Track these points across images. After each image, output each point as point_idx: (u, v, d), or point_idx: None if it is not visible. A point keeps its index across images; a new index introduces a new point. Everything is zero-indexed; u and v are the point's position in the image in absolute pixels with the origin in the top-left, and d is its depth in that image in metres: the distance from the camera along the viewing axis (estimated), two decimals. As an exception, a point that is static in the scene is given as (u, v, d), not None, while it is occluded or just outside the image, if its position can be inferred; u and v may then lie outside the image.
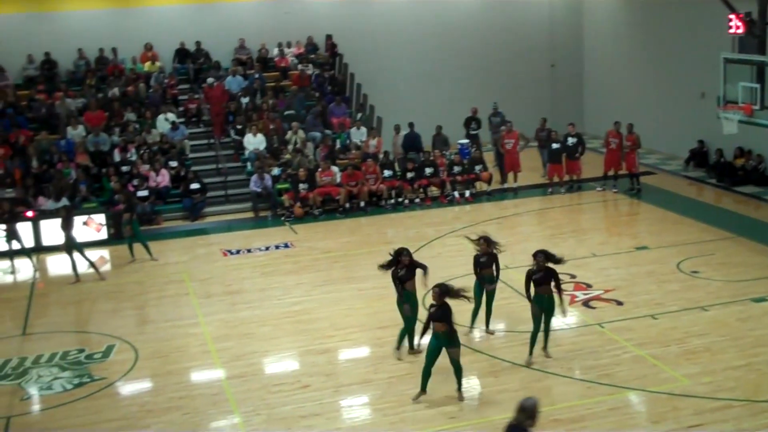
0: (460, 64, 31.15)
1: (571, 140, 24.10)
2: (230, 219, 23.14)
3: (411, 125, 25.82)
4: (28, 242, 20.13)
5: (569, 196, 23.97)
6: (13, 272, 19.40)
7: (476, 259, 14.10)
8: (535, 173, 25.58)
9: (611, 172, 23.92)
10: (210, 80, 26.90)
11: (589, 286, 16.33)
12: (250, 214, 23.26)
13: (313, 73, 28.58)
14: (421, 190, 23.86)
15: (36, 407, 12.75)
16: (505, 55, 31.54)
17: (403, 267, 13.30)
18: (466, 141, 26.73)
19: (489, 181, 24.37)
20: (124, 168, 23.42)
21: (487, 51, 31.33)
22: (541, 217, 22.32)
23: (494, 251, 13.99)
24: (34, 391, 13.14)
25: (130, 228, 19.46)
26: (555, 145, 24.16)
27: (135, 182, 22.71)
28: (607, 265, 17.74)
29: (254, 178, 23.18)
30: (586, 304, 15.47)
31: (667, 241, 19.05)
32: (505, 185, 24.62)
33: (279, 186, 23.39)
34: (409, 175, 23.85)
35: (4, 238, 19.56)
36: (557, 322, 13.89)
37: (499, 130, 26.02)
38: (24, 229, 20.17)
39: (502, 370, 12.97)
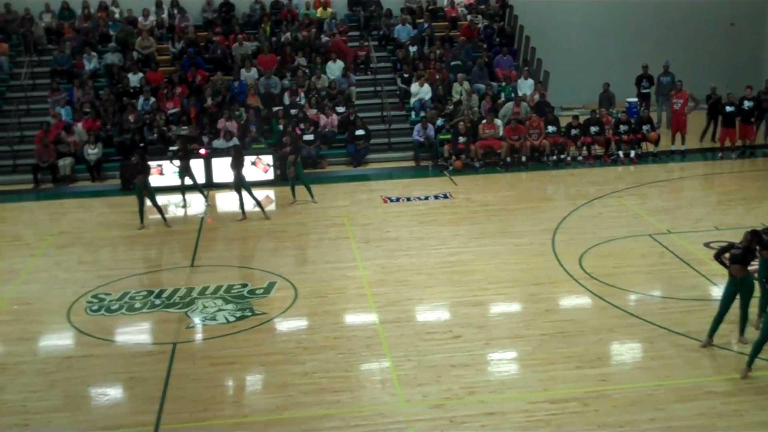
0: (633, 20, 30.23)
1: (747, 104, 23.03)
2: (392, 167, 23.49)
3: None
4: (200, 179, 21.10)
5: (740, 162, 22.98)
6: (184, 207, 20.42)
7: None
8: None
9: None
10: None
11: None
12: (411, 163, 23.53)
13: (482, 24, 28.36)
14: (585, 148, 23.44)
15: (200, 336, 13.39)
16: (681, 11, 30.30)
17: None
18: (634, 99, 26.02)
19: (656, 142, 23.65)
20: (293, 111, 24.05)
21: (661, 7, 30.22)
22: (708, 182, 21.57)
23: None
24: (198, 320, 13.80)
25: (294, 170, 20.04)
26: (729, 108, 23.13)
27: (302, 126, 23.29)
28: (778, 236, 16.96)
29: (418, 127, 23.36)
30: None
31: None
32: (672, 147, 23.82)
33: (441, 137, 23.48)
34: (573, 132, 23.45)
35: (178, 174, 20.57)
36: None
37: (669, 91, 25.20)
38: (197, 166, 21.14)
39: (658, 337, 12.72)
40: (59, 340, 13.31)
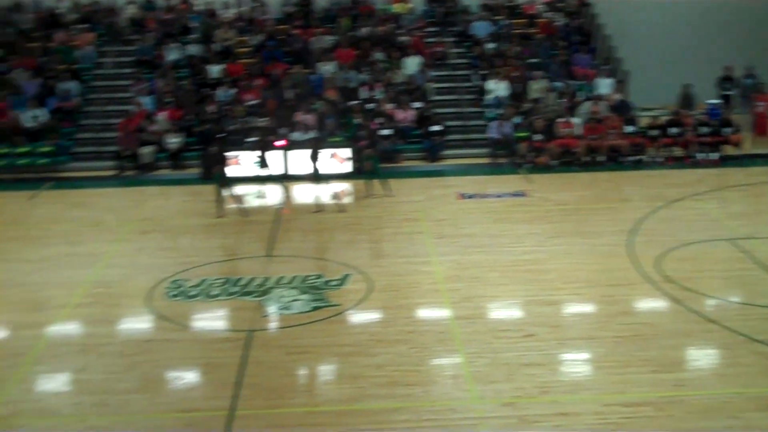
0: (716, 20, 29.52)
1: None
2: (467, 163, 23.45)
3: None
4: (278, 170, 21.35)
5: (825, 167, 22.45)
6: (262, 197, 20.69)
7: None
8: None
9: None
10: None
11: (840, 265, 15.34)
12: (486, 160, 23.47)
13: (560, 22, 28.11)
14: (664, 149, 23.08)
15: (275, 324, 13.60)
16: (765, 12, 29.57)
17: None
18: (717, 101, 25.55)
19: (738, 145, 23.17)
20: (370, 106, 24.18)
21: (745, 8, 29.50)
22: (792, 188, 21.11)
23: None
24: (274, 309, 13.98)
25: (371, 164, 20.16)
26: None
27: (379, 120, 23.40)
28: None
29: (494, 124, 23.30)
30: (834, 284, 14.54)
31: None
32: (755, 151, 23.31)
33: (518, 134, 23.37)
34: (653, 132, 23.13)
35: (258, 165, 20.86)
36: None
37: (752, 93, 24.69)
38: (275, 157, 21.40)
39: (737, 344, 12.50)
40: (139, 323, 13.64)
